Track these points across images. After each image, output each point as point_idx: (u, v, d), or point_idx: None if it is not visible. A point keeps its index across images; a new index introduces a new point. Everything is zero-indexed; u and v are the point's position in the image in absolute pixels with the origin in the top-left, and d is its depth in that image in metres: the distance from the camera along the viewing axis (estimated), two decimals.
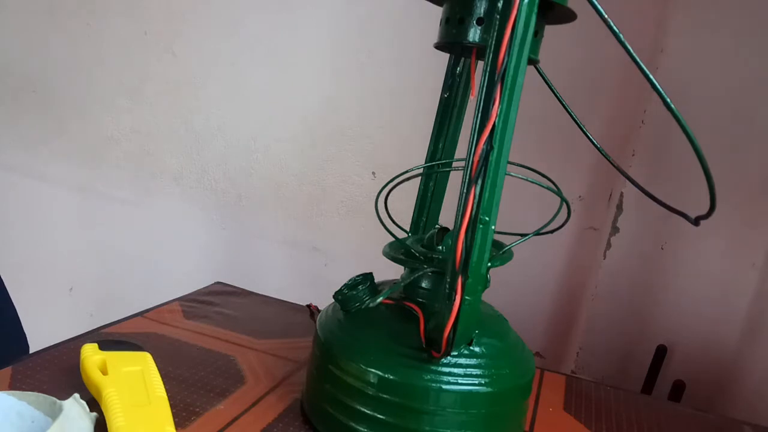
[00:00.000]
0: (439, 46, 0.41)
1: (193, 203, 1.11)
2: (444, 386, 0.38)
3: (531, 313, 0.92)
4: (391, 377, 0.39)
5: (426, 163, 0.49)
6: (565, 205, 0.43)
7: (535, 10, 0.32)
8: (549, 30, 0.38)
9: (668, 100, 0.31)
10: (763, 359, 0.70)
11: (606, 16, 0.31)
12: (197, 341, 0.57)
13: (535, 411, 0.52)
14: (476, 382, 0.39)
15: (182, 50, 1.06)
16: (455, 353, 0.39)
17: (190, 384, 0.48)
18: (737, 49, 0.70)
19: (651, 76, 0.31)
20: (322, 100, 0.98)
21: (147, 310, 0.63)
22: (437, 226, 0.47)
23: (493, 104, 0.33)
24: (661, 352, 0.78)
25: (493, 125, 0.33)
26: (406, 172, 0.45)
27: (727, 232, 0.73)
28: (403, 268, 0.44)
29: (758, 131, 0.71)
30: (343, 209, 1.01)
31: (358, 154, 0.98)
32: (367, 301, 0.42)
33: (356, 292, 0.42)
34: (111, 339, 0.46)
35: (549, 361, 0.92)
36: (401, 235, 0.47)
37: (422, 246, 0.44)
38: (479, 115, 0.34)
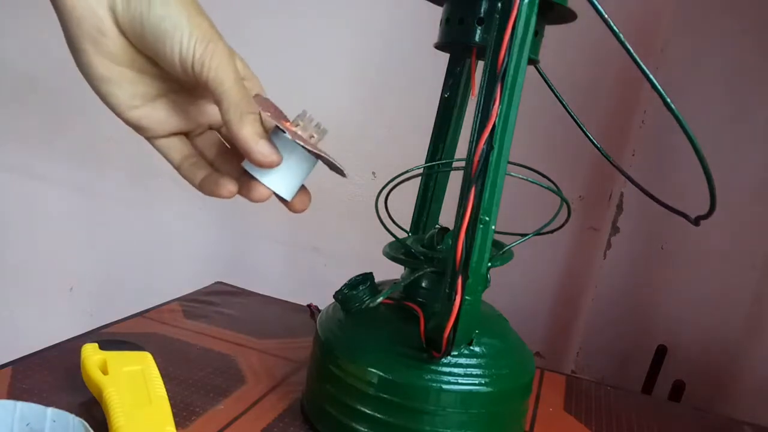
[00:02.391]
0: (439, 46, 0.41)
1: (193, 203, 1.11)
2: (444, 386, 0.38)
3: (531, 313, 0.92)
4: (392, 377, 0.39)
5: (426, 163, 0.49)
6: (565, 205, 0.43)
7: (536, 10, 0.32)
8: (549, 29, 0.38)
9: (668, 100, 0.31)
10: (763, 359, 0.70)
11: (606, 16, 0.31)
12: (197, 341, 0.57)
13: (535, 411, 0.52)
14: (476, 382, 0.39)
15: None
16: (455, 353, 0.39)
17: (190, 384, 0.48)
18: (737, 48, 0.70)
19: (651, 76, 0.31)
20: (321, 101, 0.98)
21: (147, 310, 0.63)
22: (437, 226, 0.47)
23: (493, 104, 0.33)
24: (661, 352, 0.78)
25: (493, 125, 0.33)
26: (406, 172, 0.45)
27: (727, 233, 0.73)
28: (403, 268, 0.44)
29: (758, 131, 0.71)
30: (343, 209, 1.01)
31: (358, 154, 0.98)
32: (367, 301, 0.42)
33: (356, 292, 0.42)
34: (111, 339, 0.46)
35: (549, 361, 0.92)
36: (401, 235, 0.47)
37: (422, 246, 0.44)
38: (479, 115, 0.34)
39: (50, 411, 0.35)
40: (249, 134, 0.33)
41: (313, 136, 0.35)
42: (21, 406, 0.35)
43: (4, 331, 1.26)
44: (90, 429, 0.33)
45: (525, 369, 0.43)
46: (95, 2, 0.32)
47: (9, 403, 0.35)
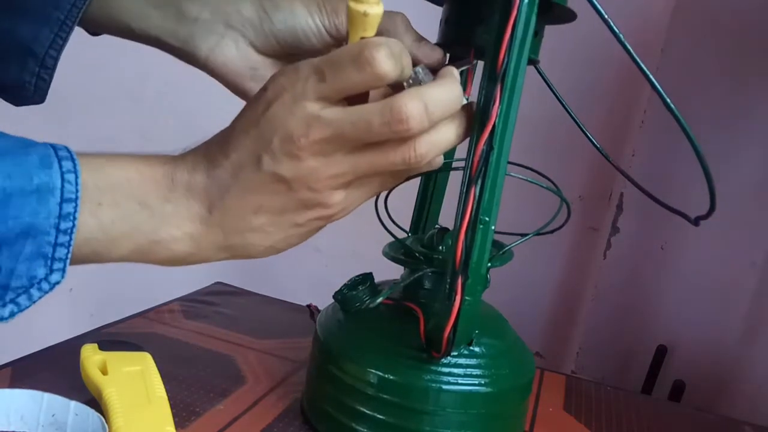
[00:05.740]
0: (439, 46, 0.41)
1: None
2: (444, 386, 0.38)
3: (531, 313, 0.92)
4: (391, 377, 0.39)
5: None
6: (565, 206, 0.43)
7: (536, 10, 0.32)
8: (548, 29, 0.38)
9: (668, 100, 0.31)
10: (763, 359, 0.70)
11: (606, 17, 0.31)
12: (197, 341, 0.57)
13: (535, 411, 0.52)
14: (476, 382, 0.39)
15: None
16: (455, 353, 0.39)
17: (190, 384, 0.48)
18: (737, 48, 0.70)
19: (651, 77, 0.31)
20: None
21: (147, 310, 0.63)
22: (437, 226, 0.47)
23: (493, 105, 0.32)
24: (661, 352, 0.78)
25: (493, 126, 0.33)
26: None
27: (727, 232, 0.73)
28: (402, 268, 0.44)
29: (757, 131, 0.71)
30: None
31: None
32: (367, 302, 0.42)
33: (356, 292, 0.42)
34: (111, 339, 0.46)
35: (549, 361, 0.92)
36: (401, 235, 0.47)
37: (422, 246, 0.44)
38: (479, 115, 0.34)
39: (73, 404, 0.36)
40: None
41: (421, 81, 0.33)
42: (48, 397, 0.36)
43: (4, 331, 1.26)
44: (106, 426, 0.34)
45: (525, 369, 0.43)
46: (236, 51, 0.40)
47: (37, 394, 0.36)
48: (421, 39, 0.39)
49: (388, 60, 0.28)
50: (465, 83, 0.46)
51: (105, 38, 0.46)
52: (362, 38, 0.30)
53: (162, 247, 0.32)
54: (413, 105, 0.28)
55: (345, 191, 0.32)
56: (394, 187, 0.37)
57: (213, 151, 0.32)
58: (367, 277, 0.43)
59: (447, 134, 0.31)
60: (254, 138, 0.31)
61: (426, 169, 0.33)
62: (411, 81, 0.31)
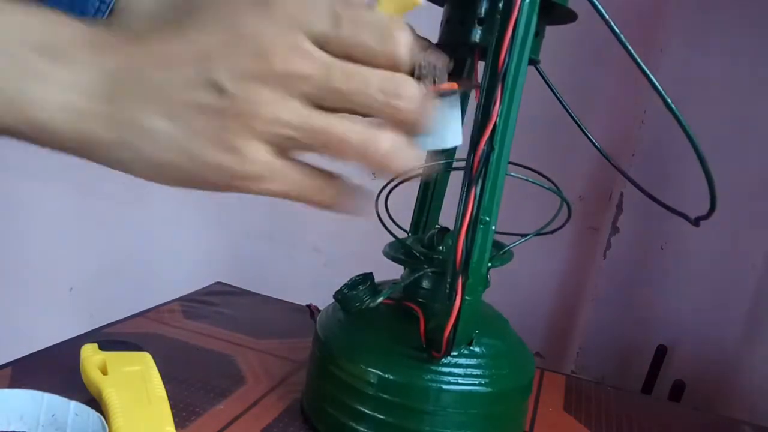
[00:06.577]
0: (440, 47, 0.41)
1: (192, 203, 1.11)
2: (444, 386, 0.38)
3: (531, 313, 0.92)
4: (391, 377, 0.39)
5: (426, 163, 0.48)
6: (565, 206, 0.43)
7: (537, 10, 0.32)
8: (548, 29, 0.38)
9: (669, 100, 0.31)
10: (763, 359, 0.70)
11: (607, 17, 0.31)
12: (197, 341, 0.57)
13: (535, 411, 0.52)
14: (476, 382, 0.39)
15: None
16: (455, 353, 0.39)
17: (190, 384, 0.48)
18: (737, 48, 0.70)
19: (652, 77, 0.31)
20: None
21: (147, 310, 0.63)
22: (437, 226, 0.47)
23: (494, 105, 0.33)
24: (661, 352, 0.78)
25: (494, 126, 0.33)
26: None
27: (727, 233, 0.73)
28: (402, 268, 0.44)
29: (758, 131, 0.71)
30: None
31: None
32: (367, 301, 0.42)
33: (356, 291, 0.42)
34: (111, 339, 0.46)
35: (549, 361, 0.92)
36: (401, 235, 0.47)
37: (422, 246, 0.44)
38: (480, 115, 0.34)
39: (73, 404, 0.36)
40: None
41: (435, 78, 0.32)
42: (48, 397, 0.36)
43: (4, 331, 1.26)
44: (106, 426, 0.34)
45: (525, 369, 0.43)
46: None
47: (37, 394, 0.36)
48: (428, 47, 0.38)
49: (407, 48, 0.27)
50: (472, 87, 0.46)
51: None
52: None
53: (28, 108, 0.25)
54: (415, 89, 0.27)
55: (272, 156, 0.27)
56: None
57: (148, 27, 0.27)
58: (367, 277, 0.43)
59: (410, 153, 0.29)
60: (213, 34, 0.25)
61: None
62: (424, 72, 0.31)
